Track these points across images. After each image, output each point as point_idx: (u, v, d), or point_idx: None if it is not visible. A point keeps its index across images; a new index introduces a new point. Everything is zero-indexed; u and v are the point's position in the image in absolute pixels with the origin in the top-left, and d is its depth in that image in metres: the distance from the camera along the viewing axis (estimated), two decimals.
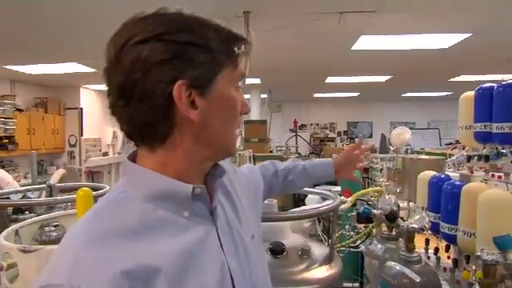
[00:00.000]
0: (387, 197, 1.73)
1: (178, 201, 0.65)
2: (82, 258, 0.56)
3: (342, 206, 1.84)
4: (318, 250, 1.38)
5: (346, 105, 11.80)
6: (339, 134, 12.19)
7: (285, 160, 6.29)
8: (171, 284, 0.59)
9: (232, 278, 0.68)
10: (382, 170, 3.79)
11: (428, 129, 11.44)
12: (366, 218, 1.80)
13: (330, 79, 7.37)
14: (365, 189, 2.79)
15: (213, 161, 0.72)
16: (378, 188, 2.02)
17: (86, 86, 7.87)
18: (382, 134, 7.11)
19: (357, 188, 2.62)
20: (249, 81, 7.30)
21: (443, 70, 6.73)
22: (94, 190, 1.71)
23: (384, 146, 6.38)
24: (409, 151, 3.44)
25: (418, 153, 4.67)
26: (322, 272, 1.23)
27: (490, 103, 1.59)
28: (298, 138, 9.49)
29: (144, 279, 0.57)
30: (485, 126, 1.61)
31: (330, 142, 11.14)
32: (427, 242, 1.81)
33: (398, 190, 3.23)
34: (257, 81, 7.52)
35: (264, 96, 8.95)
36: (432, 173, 1.75)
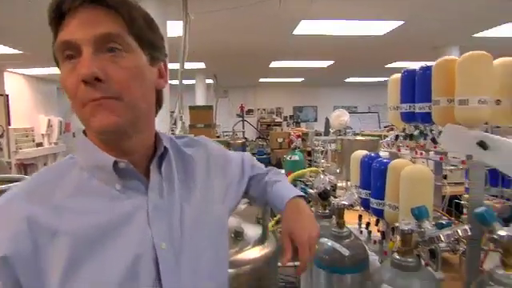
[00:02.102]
0: (322, 176, 1.79)
1: (109, 172, 0.67)
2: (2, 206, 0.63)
3: None
4: (253, 231, 1.39)
5: (291, 90, 12.03)
6: (285, 118, 12.44)
7: (231, 145, 6.25)
8: (77, 249, 0.62)
9: (157, 257, 0.68)
10: (326, 152, 3.94)
11: (368, 112, 12.07)
12: (304, 198, 1.85)
13: (274, 64, 7.44)
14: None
15: (97, 137, 0.70)
16: (314, 168, 2.08)
17: (11, 70, 7.17)
18: (326, 118, 7.36)
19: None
20: (193, 65, 7.14)
21: (380, 57, 7.09)
22: (11, 181, 1.56)
23: (328, 129, 6.64)
24: (350, 133, 3.60)
25: (359, 135, 4.90)
26: (255, 252, 1.24)
27: (413, 85, 1.68)
28: (245, 123, 9.52)
29: (48, 237, 0.61)
30: (409, 106, 1.71)
31: (276, 127, 11.33)
32: (360, 217, 1.90)
33: (338, 171, 3.38)
34: (201, 65, 7.38)
35: (209, 81, 8.82)
36: (364, 152, 1.83)
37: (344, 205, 1.35)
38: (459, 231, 1.05)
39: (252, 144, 8.42)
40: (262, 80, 10.39)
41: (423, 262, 1.41)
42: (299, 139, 3.96)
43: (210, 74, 8.37)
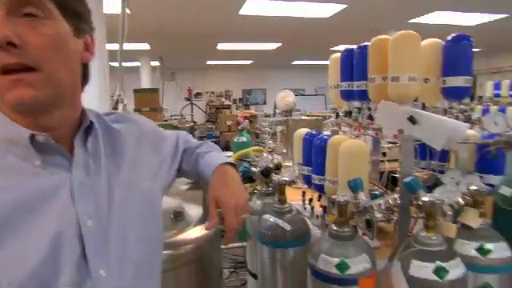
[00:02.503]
0: (265, 155, 1.81)
1: (26, 147, 0.64)
2: None
3: None
4: (195, 211, 1.37)
5: (240, 72, 11.97)
6: (235, 101, 12.40)
7: (180, 129, 6.10)
8: None
9: (82, 234, 0.66)
10: (274, 134, 3.98)
11: (315, 95, 12.39)
12: (248, 177, 1.86)
13: (221, 46, 7.32)
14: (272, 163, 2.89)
15: (13, 111, 0.65)
16: (258, 147, 2.10)
17: None
18: (275, 101, 7.44)
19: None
20: (136, 46, 6.80)
21: (326, 39, 7.26)
22: None
23: (275, 110, 6.72)
24: (297, 115, 3.67)
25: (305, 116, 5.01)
26: (195, 232, 1.23)
27: (351, 64, 1.73)
28: (194, 106, 9.34)
29: None
30: (348, 84, 1.76)
31: (225, 110, 11.26)
32: (303, 194, 1.96)
33: (284, 151, 3.44)
34: (145, 46, 7.05)
35: (155, 63, 8.47)
36: (306, 130, 1.87)
37: (285, 181, 1.37)
38: (390, 200, 1.12)
39: (201, 127, 8.31)
40: (210, 62, 10.20)
41: (360, 232, 1.49)
42: (246, 121, 3.96)
43: (156, 56, 8.03)
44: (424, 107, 1.62)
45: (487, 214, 1.26)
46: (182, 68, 11.01)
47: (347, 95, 1.79)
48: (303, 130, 1.88)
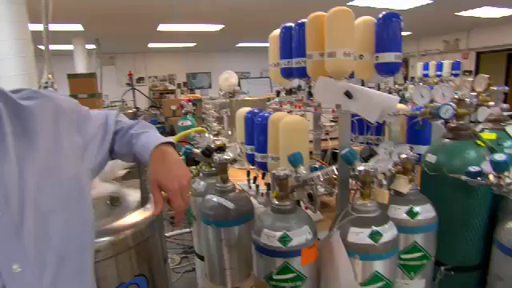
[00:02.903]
0: (207, 135, 1.77)
1: None
2: None
3: None
4: (134, 195, 1.31)
5: (183, 56, 11.60)
6: (179, 85, 12.05)
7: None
8: None
9: None
10: (222, 117, 3.93)
11: (261, 77, 12.43)
12: (192, 159, 1.81)
13: (162, 27, 7.01)
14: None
15: None
16: (200, 128, 2.05)
17: None
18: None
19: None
20: (67, 27, 6.27)
21: (269, 20, 7.24)
22: None
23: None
24: (241, 97, 3.64)
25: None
26: (135, 217, 1.17)
27: (290, 41, 1.73)
28: (136, 92, 8.93)
29: None
30: (287, 62, 1.76)
31: (170, 95, 10.92)
32: (248, 173, 1.95)
33: (230, 133, 3.41)
34: (78, 27, 6.53)
35: (91, 46, 7.91)
36: (247, 109, 1.86)
37: (226, 159, 1.36)
38: (327, 172, 1.14)
39: (145, 114, 7.98)
40: (151, 45, 9.75)
41: (303, 206, 1.52)
42: (190, 104, 3.87)
43: (92, 39, 7.49)
44: (363, 84, 1.68)
45: (416, 180, 1.35)
46: (121, 52, 10.42)
47: (287, 73, 1.80)
48: (245, 109, 1.86)
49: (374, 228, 1.02)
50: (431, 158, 1.34)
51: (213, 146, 1.58)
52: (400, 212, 1.16)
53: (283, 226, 1.08)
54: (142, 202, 1.28)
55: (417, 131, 1.63)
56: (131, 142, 0.96)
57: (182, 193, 0.84)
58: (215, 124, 3.67)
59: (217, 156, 1.37)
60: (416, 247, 1.16)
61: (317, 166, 1.30)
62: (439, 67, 5.92)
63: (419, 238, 1.16)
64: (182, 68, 11.88)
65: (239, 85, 7.93)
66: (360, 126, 1.90)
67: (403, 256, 1.18)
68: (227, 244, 1.38)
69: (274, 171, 1.12)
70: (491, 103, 1.55)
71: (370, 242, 1.01)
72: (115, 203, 1.22)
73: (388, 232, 1.04)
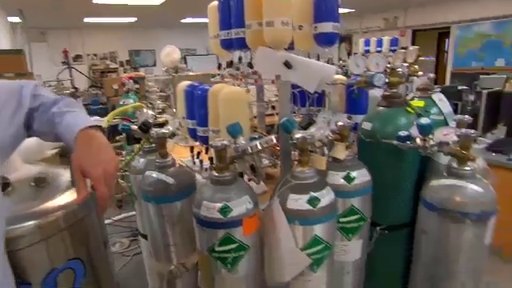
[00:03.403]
0: (145, 110, 1.69)
1: None
2: None
3: None
4: (67, 175, 1.22)
5: (125, 32, 10.94)
6: (121, 64, 11.39)
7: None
8: None
9: None
10: (168, 96, 3.78)
11: (208, 54, 12.12)
12: (133, 137, 1.72)
13: None
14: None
15: None
16: (139, 104, 1.95)
17: None
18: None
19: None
20: None
21: None
22: None
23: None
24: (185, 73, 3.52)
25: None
26: (65, 198, 1.09)
27: (229, 11, 1.68)
28: (74, 71, 8.29)
29: None
30: (227, 33, 1.71)
31: (112, 73, 10.31)
32: (192, 149, 1.91)
33: (175, 110, 3.30)
34: None
35: (15, 20, 7.12)
36: (187, 82, 1.79)
37: (163, 133, 1.30)
38: (267, 141, 1.14)
39: (85, 94, 7.46)
40: (87, 20, 9.04)
41: (247, 178, 1.52)
42: (131, 81, 3.68)
43: (13, 10, 6.72)
44: (309, 56, 1.68)
45: (354, 147, 1.40)
46: (53, 27, 9.55)
47: (227, 45, 1.75)
48: (185, 83, 1.79)
49: (312, 194, 1.05)
50: (367, 126, 1.40)
51: (151, 120, 1.51)
52: (338, 177, 1.20)
53: (223, 197, 1.07)
54: (73, 183, 1.19)
55: (355, 101, 1.69)
56: (53, 120, 0.88)
57: (106, 180, 0.78)
58: (159, 102, 3.53)
59: (154, 130, 1.31)
60: (353, 210, 1.21)
61: (256, 136, 1.29)
62: (379, 43, 6.17)
63: (356, 202, 1.21)
64: (124, 45, 11.22)
65: (185, 62, 7.68)
66: (302, 98, 1.91)
67: (341, 219, 1.23)
68: (169, 220, 1.35)
69: (212, 142, 1.10)
70: (420, 73, 1.63)
71: (308, 207, 1.04)
72: (41, 184, 1.12)
73: (326, 197, 1.07)
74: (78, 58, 10.50)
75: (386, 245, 1.42)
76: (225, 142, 1.08)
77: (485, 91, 3.05)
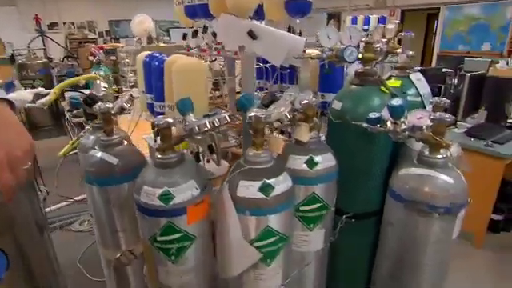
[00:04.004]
0: (98, 82, 1.52)
1: None
2: None
3: (43, 100, 1.52)
4: None
5: (105, 1, 10.41)
6: (101, 34, 10.90)
7: (28, 67, 5.08)
8: None
9: None
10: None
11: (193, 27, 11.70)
12: (88, 113, 1.56)
13: None
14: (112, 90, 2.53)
15: None
16: (91, 75, 1.78)
17: None
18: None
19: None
20: None
21: None
22: None
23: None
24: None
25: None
26: None
27: None
28: (49, 40, 7.85)
29: None
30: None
31: (90, 44, 9.84)
32: (153, 126, 1.76)
33: None
34: None
35: None
36: (146, 53, 1.63)
37: (107, 108, 1.15)
38: (219, 119, 1.00)
39: (60, 65, 7.11)
40: None
41: (205, 160, 1.39)
42: (101, 52, 3.44)
43: None
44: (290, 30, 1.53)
45: (325, 128, 1.28)
46: None
47: (191, 12, 1.58)
48: (145, 53, 1.62)
49: (266, 180, 0.93)
50: (337, 105, 1.27)
51: (101, 94, 1.35)
52: (299, 162, 1.08)
53: (165, 181, 0.94)
54: None
55: (329, 79, 1.56)
56: None
57: (11, 165, 0.64)
58: (131, 74, 3.32)
59: (97, 105, 1.16)
60: (315, 198, 1.10)
61: (210, 113, 1.15)
62: (367, 21, 6.00)
63: (318, 189, 1.10)
64: (104, 14, 10.70)
65: (168, 35, 7.36)
66: (274, 74, 1.77)
67: (302, 208, 1.12)
68: (116, 204, 1.22)
69: (154, 119, 0.95)
70: (399, 50, 1.50)
71: (260, 195, 0.92)
72: None
73: (281, 184, 0.95)
74: (53, 26, 9.97)
75: (353, 234, 1.32)
76: (168, 120, 0.94)
77: (468, 74, 2.95)
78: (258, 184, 0.92)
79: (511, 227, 3.02)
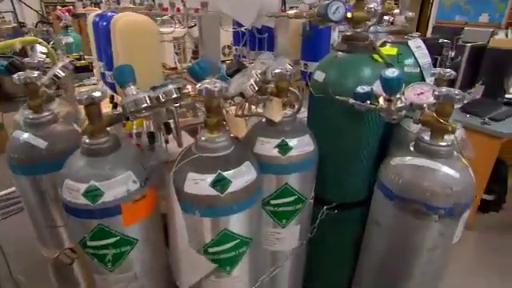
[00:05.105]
0: (38, 47, 1.27)
1: None
2: None
3: None
4: None
5: None
6: None
7: None
8: None
9: None
10: None
11: None
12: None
13: None
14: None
15: None
16: (30, 38, 1.52)
17: None
18: None
19: None
20: None
21: None
22: None
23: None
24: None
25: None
26: None
27: None
28: (19, 2, 7.29)
29: None
30: None
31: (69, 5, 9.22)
32: (111, 98, 1.52)
33: None
34: None
35: None
36: (98, 12, 1.36)
37: (30, 78, 0.91)
38: (165, 92, 0.78)
39: (33, 30, 6.64)
40: None
41: (163, 140, 1.18)
42: (67, 14, 3.12)
43: None
44: None
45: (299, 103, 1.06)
46: None
47: None
48: (94, 13, 1.36)
49: (221, 173, 0.72)
50: (319, 76, 1.05)
51: (36, 60, 1.10)
52: (269, 147, 0.87)
53: (92, 173, 0.73)
54: None
55: (313, 45, 1.33)
56: None
57: None
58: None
59: (17, 74, 0.91)
60: (288, 190, 0.91)
61: (158, 85, 0.92)
62: None
63: (292, 179, 0.90)
64: None
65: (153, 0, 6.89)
66: (252, 39, 1.54)
67: (273, 201, 0.92)
68: (51, 196, 1.01)
69: (77, 94, 0.73)
70: (396, 11, 1.27)
71: (213, 192, 0.71)
72: None
73: (242, 177, 0.75)
74: None
75: (335, 228, 1.15)
76: (94, 94, 0.71)
77: (468, 45, 2.73)
78: (211, 177, 0.71)
79: (499, 207, 2.91)
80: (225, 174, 0.72)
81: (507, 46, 3.03)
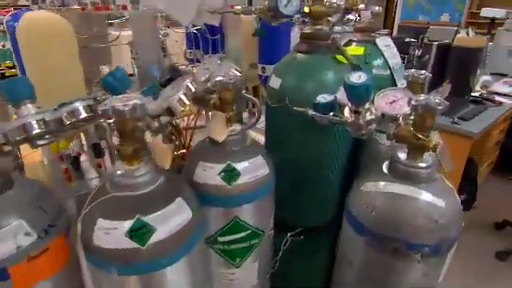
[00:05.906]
0: None
1: None
2: None
3: None
4: None
5: None
6: None
7: None
8: None
9: None
10: None
11: None
12: None
13: None
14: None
15: None
16: None
17: None
18: None
19: None
20: None
21: None
22: None
23: None
24: None
25: None
26: None
27: None
28: None
29: None
30: None
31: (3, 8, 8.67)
32: None
33: None
34: None
35: None
36: (14, 11, 1.15)
37: None
38: (67, 113, 0.59)
39: None
40: None
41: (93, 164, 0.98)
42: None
43: None
44: None
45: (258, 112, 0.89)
46: None
47: None
48: (11, 12, 1.15)
49: (140, 219, 0.54)
50: (275, 83, 0.89)
51: None
52: (211, 173, 0.70)
53: None
54: None
55: (271, 46, 1.17)
56: None
57: None
58: None
59: None
60: (238, 225, 0.74)
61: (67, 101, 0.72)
62: None
63: (243, 212, 0.74)
64: None
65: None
66: (204, 41, 1.37)
67: (221, 239, 0.75)
68: None
69: None
70: (361, 6, 1.13)
71: (130, 244, 0.53)
72: None
73: (171, 220, 0.57)
74: None
75: (303, 255, 0.99)
76: None
77: (435, 43, 2.68)
78: (127, 225, 0.53)
79: (470, 206, 2.90)
80: (145, 218, 0.54)
81: (471, 45, 3.02)
